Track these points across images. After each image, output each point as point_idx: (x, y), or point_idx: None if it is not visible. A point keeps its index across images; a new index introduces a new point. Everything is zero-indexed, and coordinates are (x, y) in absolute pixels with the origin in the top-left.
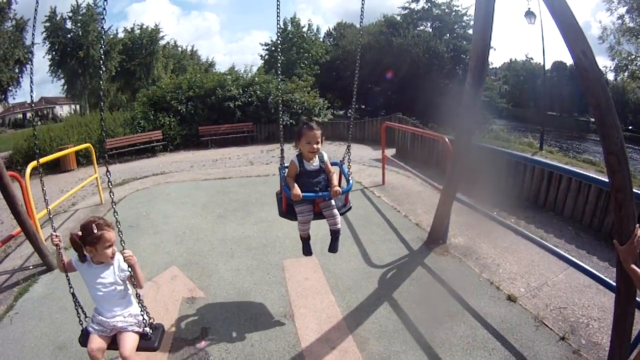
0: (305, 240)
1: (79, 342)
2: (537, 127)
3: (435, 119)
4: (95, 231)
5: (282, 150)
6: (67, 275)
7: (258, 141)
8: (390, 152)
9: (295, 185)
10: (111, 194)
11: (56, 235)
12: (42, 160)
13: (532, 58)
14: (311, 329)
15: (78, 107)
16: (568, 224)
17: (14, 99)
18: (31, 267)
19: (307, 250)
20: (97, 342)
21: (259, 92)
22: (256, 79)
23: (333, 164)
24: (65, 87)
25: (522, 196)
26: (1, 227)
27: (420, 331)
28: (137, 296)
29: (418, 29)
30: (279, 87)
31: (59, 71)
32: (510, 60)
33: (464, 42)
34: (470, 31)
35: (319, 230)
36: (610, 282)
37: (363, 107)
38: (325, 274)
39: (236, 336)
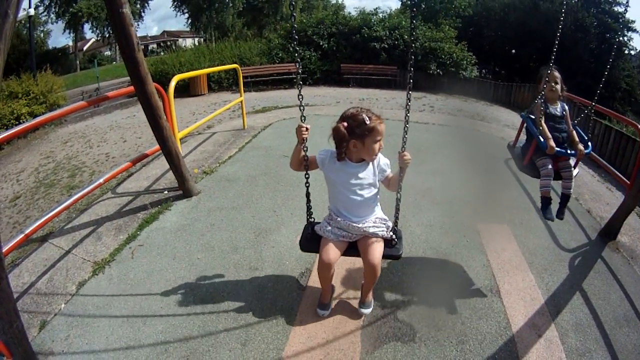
0: (547, 201)
1: (300, 245)
2: None
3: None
4: (368, 122)
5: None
6: (306, 174)
7: (401, 86)
8: None
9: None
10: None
11: (306, 128)
12: (186, 75)
13: None
14: (518, 311)
15: (202, 40)
16: None
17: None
18: (166, 192)
19: (547, 213)
20: (334, 249)
21: (406, 37)
22: (403, 22)
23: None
24: (189, 21)
25: None
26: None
27: (606, 331)
28: (398, 200)
29: None
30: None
31: (183, 6)
32: None
33: (610, 20)
34: (618, 8)
35: None
36: None
37: (497, 69)
38: (520, 247)
39: (443, 309)
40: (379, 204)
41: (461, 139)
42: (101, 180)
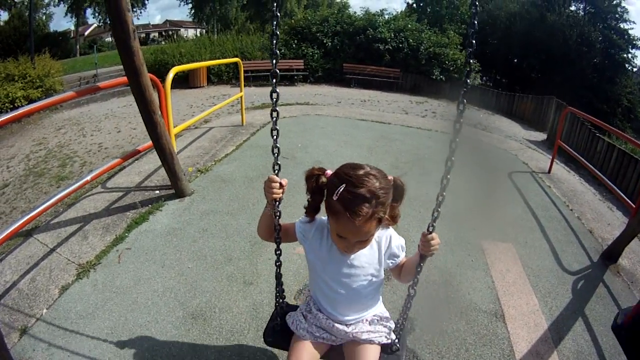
0: None
1: (264, 339)
2: None
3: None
4: (334, 197)
5: None
6: (278, 250)
7: (403, 89)
8: (538, 135)
9: None
10: None
11: (280, 184)
12: (184, 67)
13: None
14: (522, 337)
15: (204, 31)
16: None
17: (138, 19)
18: (157, 192)
19: None
20: (310, 353)
21: (410, 40)
22: (409, 25)
23: None
24: (193, 11)
25: None
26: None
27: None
28: (410, 297)
29: (570, 8)
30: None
31: None
32: None
33: (616, 36)
34: (624, 25)
35: None
36: None
37: (498, 77)
38: (524, 269)
39: (447, 335)
40: (380, 296)
41: (465, 149)
42: (88, 178)
